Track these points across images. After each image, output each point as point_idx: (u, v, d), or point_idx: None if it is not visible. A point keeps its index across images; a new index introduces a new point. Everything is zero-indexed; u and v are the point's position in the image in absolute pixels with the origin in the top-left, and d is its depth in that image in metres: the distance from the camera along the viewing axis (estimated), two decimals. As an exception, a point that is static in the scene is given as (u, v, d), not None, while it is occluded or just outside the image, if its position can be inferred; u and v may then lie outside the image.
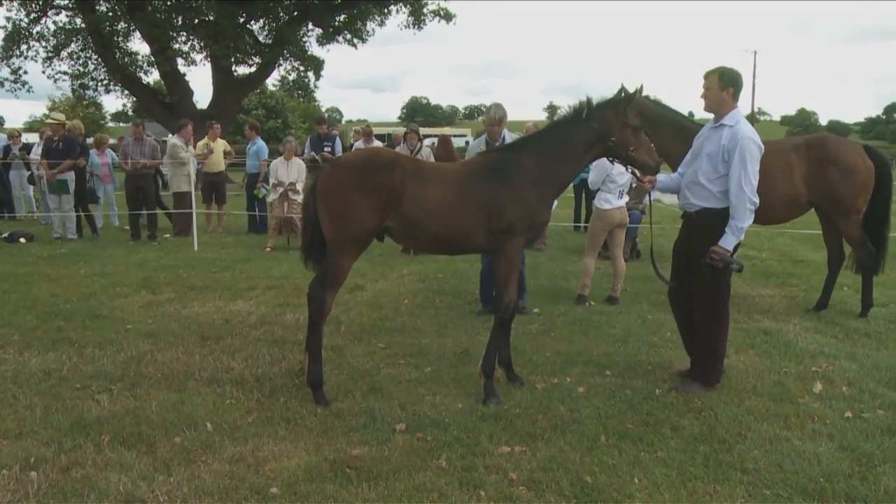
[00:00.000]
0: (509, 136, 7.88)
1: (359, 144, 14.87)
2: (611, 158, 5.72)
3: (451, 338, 6.91)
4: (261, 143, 14.82)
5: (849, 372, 5.98)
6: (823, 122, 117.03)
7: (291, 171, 12.67)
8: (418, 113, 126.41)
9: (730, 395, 5.40)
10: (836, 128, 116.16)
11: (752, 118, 62.41)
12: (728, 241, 5.31)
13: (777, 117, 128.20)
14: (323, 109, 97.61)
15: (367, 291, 9.22)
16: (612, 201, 8.70)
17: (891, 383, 5.74)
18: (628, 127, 5.49)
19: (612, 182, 8.58)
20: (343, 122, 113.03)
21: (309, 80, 35.50)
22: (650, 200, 6.99)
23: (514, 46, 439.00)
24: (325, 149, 14.16)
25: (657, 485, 3.99)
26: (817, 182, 7.93)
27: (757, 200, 5.33)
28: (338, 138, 14.79)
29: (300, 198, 12.70)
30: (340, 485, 4.00)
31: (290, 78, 33.58)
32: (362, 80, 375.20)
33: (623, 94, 5.57)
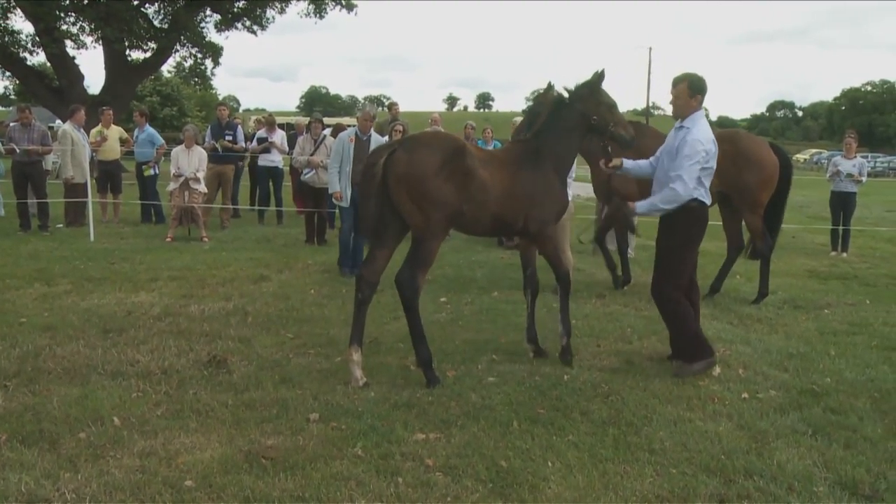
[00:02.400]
0: (374, 133, 9.74)
1: (261, 134, 14.64)
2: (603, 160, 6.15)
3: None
4: (150, 129, 14.41)
5: (744, 356, 6.31)
6: (714, 117, 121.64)
7: (192, 160, 12.35)
8: (317, 103, 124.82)
9: (635, 380, 5.62)
10: (725, 123, 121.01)
11: (646, 113, 64.44)
12: (642, 206, 5.85)
13: (670, 112, 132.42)
14: (220, 97, 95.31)
15: (273, 282, 9.11)
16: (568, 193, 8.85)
17: (781, 365, 6.10)
18: (603, 104, 5.92)
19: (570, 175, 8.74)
20: (241, 110, 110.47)
21: (206, 68, 34.65)
22: None
23: (412, 40, 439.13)
24: (227, 138, 13.84)
25: (570, 467, 4.13)
26: (728, 174, 8.30)
27: (686, 195, 5.67)
28: (239, 127, 14.49)
29: (201, 187, 12.43)
30: (257, 476, 3.97)
31: (187, 65, 32.68)
32: (260, 69, 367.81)
33: (594, 76, 5.93)
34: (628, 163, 6.19)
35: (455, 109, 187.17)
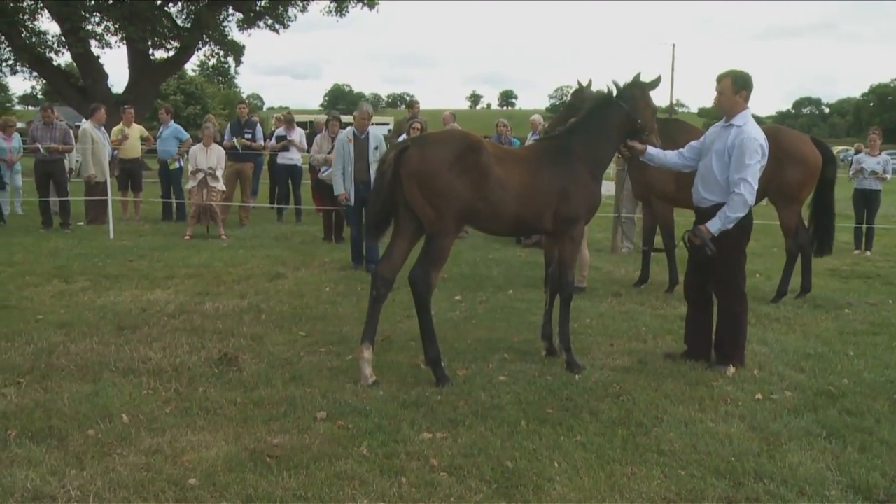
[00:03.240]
0: (372, 129, 9.88)
1: (280, 132, 14.68)
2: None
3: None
4: (175, 125, 14.48)
5: (759, 356, 6.20)
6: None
7: (210, 158, 12.42)
8: (340, 101, 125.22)
9: (647, 380, 5.55)
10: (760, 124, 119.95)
11: (670, 110, 64.00)
12: (714, 225, 5.66)
13: (695, 109, 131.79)
14: (244, 96, 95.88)
15: (289, 280, 9.13)
16: None
17: (797, 366, 5.99)
18: (650, 109, 5.94)
19: None
20: (264, 108, 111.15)
21: (229, 66, 34.92)
22: None
23: (434, 36, 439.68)
24: (246, 136, 13.90)
25: (576, 468, 4.07)
26: (769, 171, 8.16)
27: (753, 197, 5.64)
28: (258, 125, 14.53)
29: (219, 185, 12.50)
30: (260, 474, 3.95)
31: (210, 63, 32.88)
32: (283, 67, 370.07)
33: (647, 79, 5.93)
34: (652, 150, 6.10)
35: (478, 107, 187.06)
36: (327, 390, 5.21)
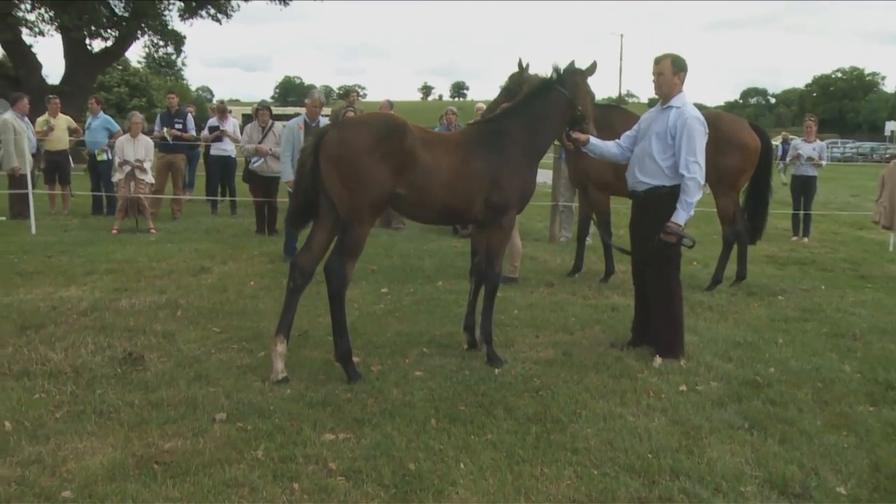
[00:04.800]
0: (323, 120, 9.34)
1: (213, 122, 14.25)
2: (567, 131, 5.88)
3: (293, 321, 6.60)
4: (105, 116, 13.94)
5: (688, 345, 6.03)
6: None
7: (138, 149, 11.93)
8: (291, 92, 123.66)
9: (570, 373, 5.36)
10: (700, 111, 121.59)
11: (619, 100, 64.42)
12: (680, 217, 5.52)
13: (645, 100, 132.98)
14: (193, 88, 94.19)
15: (213, 274, 8.78)
16: None
17: (725, 354, 5.88)
18: (589, 95, 5.78)
19: None
20: (213, 101, 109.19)
21: (174, 57, 34.14)
22: None
23: (385, 28, 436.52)
24: (176, 126, 13.45)
25: (483, 469, 3.86)
26: (709, 158, 8.02)
27: (703, 177, 5.57)
28: (189, 115, 14.09)
29: (147, 177, 12.04)
30: (143, 483, 3.67)
31: (151, 53, 32.05)
32: (233, 59, 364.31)
33: (582, 65, 5.77)
34: (595, 141, 5.93)
35: (430, 98, 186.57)
36: (232, 390, 4.94)
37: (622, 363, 5.59)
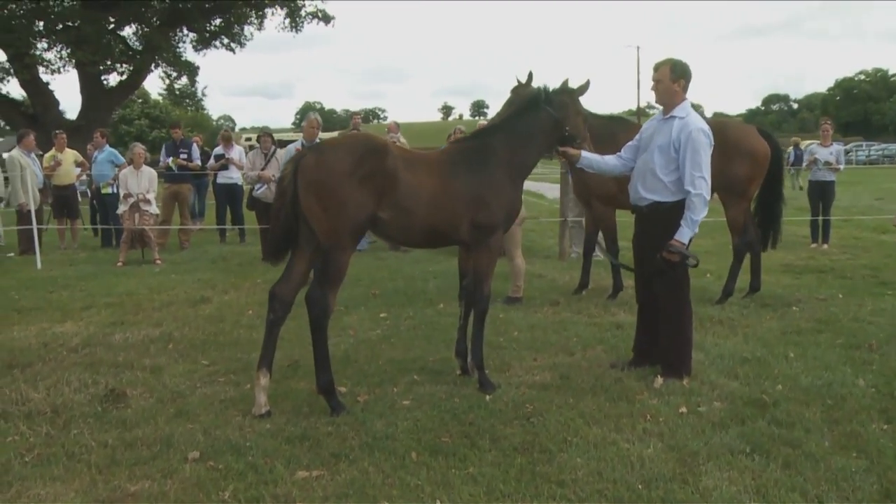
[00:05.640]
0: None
1: (218, 150, 14.20)
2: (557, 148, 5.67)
3: (285, 350, 6.38)
4: (110, 149, 13.94)
5: (694, 363, 5.73)
6: (709, 113, 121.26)
7: (142, 181, 11.90)
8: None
9: (565, 397, 5.10)
10: (721, 119, 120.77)
11: (638, 113, 64.03)
12: (683, 235, 5.23)
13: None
14: (214, 118, 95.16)
15: (213, 304, 8.63)
16: None
17: (732, 372, 5.59)
18: (580, 115, 5.55)
19: None
20: (237, 129, 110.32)
21: (194, 87, 34.47)
22: None
23: (404, 50, 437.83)
24: (181, 156, 13.40)
25: (459, 505, 3.62)
26: (716, 167, 7.78)
27: (709, 193, 5.28)
28: (194, 144, 14.05)
29: (152, 208, 11.98)
30: (100, 532, 3.47)
31: (166, 84, 32.29)
32: (255, 88, 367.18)
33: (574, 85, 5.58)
34: (588, 155, 5.67)
35: (451, 118, 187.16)
36: (211, 426, 4.74)
37: (621, 385, 5.32)
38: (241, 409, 5.01)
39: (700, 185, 5.20)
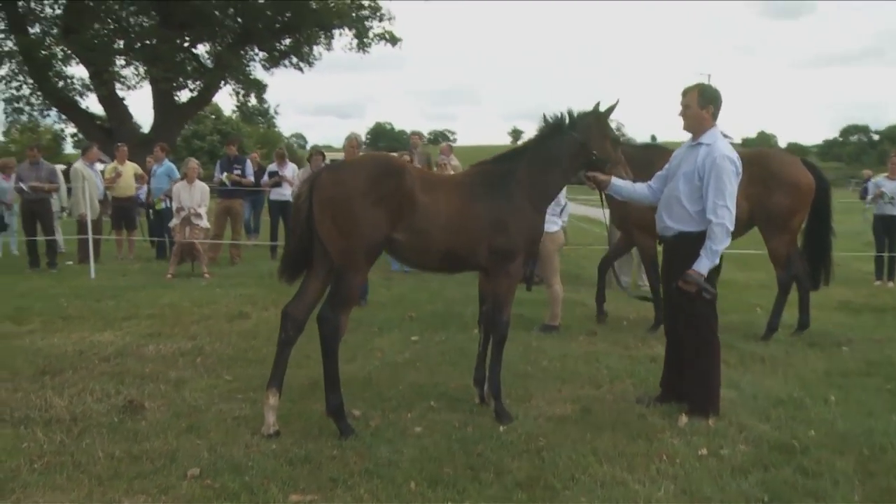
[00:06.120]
0: None
1: (272, 168, 14.38)
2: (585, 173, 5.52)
3: (309, 369, 6.35)
4: (168, 163, 14.23)
5: (725, 402, 5.48)
6: (783, 143, 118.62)
7: (194, 195, 12.09)
8: (382, 138, 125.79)
9: (582, 432, 4.91)
10: (795, 150, 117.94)
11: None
12: (702, 265, 5.01)
13: (738, 140, 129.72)
14: (286, 135, 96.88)
15: (251, 320, 8.67)
16: (557, 222, 8.27)
17: (764, 414, 5.31)
18: (608, 139, 5.38)
19: (557, 204, 8.13)
20: (307, 147, 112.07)
21: (265, 105, 35.13)
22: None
23: (477, 73, 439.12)
24: (235, 171, 13.58)
25: (450, 540, 3.48)
26: (758, 198, 7.54)
27: (733, 223, 5.05)
28: (248, 161, 14.22)
29: (202, 222, 12.16)
30: (84, 546, 3.44)
31: (239, 102, 32.94)
32: (328, 107, 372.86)
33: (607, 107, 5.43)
34: (618, 182, 5.50)
35: (520, 142, 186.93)
36: (218, 443, 4.70)
37: (644, 422, 5.10)
38: (252, 428, 4.95)
39: (723, 214, 4.97)
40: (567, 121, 5.34)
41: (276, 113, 56.69)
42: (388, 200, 4.73)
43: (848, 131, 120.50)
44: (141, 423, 5.13)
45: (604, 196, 7.75)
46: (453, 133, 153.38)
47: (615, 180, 5.43)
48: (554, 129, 5.37)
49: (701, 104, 5.19)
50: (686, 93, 5.27)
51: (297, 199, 4.93)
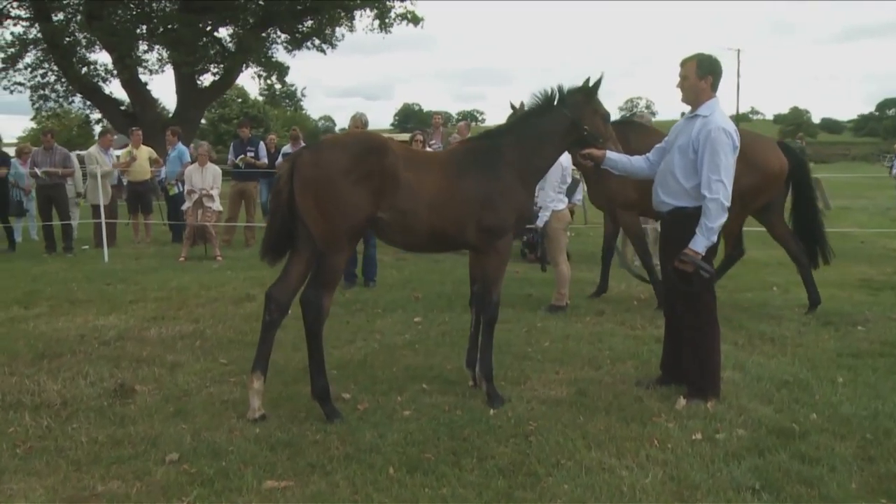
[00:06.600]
0: None
1: (286, 149, 14.30)
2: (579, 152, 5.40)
3: (303, 352, 6.24)
4: (181, 147, 14.20)
5: (728, 384, 5.32)
6: (816, 119, 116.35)
7: (206, 178, 12.06)
8: (410, 119, 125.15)
9: (574, 415, 4.77)
10: (829, 126, 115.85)
11: (736, 118, 62.08)
12: (699, 244, 4.82)
13: (770, 116, 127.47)
14: (315, 118, 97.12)
15: (256, 302, 8.55)
16: (564, 200, 8.13)
17: (766, 396, 5.13)
18: (599, 115, 5.25)
19: (563, 182, 7.99)
20: (337, 129, 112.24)
21: (289, 87, 35.09)
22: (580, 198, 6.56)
23: (506, 52, 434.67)
24: (248, 153, 13.51)
25: (421, 528, 3.36)
26: None
27: (729, 199, 4.84)
28: (262, 143, 14.13)
29: (215, 205, 12.12)
30: (50, 533, 3.38)
31: (264, 85, 32.94)
32: (355, 89, 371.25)
33: (594, 82, 5.24)
34: (614, 155, 5.32)
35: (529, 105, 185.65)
36: (203, 427, 4.65)
37: (640, 405, 4.95)
38: (239, 412, 4.89)
39: (717, 188, 4.76)
40: (557, 97, 5.17)
41: (303, 95, 56.61)
42: (370, 179, 4.60)
43: (885, 105, 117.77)
44: (130, 406, 5.09)
45: (582, 175, 7.59)
46: (482, 113, 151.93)
47: (610, 154, 5.26)
48: (544, 106, 5.21)
49: (699, 75, 4.98)
50: (684, 63, 5.07)
51: (279, 181, 4.81)
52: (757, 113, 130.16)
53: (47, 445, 4.42)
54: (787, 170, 7.60)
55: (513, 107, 7.98)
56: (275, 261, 4.98)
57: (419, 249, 5.52)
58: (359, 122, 9.26)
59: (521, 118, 5.36)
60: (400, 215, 4.75)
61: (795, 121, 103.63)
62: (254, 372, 4.86)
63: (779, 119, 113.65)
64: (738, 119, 67.87)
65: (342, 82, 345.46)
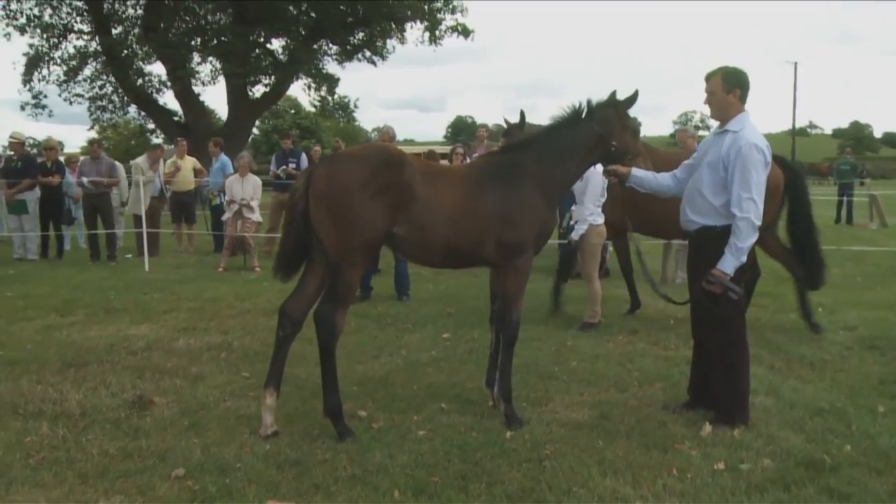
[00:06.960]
0: None
1: (326, 161, 14.35)
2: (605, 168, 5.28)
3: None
4: (224, 158, 14.34)
5: (759, 410, 5.08)
6: (878, 133, 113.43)
7: (246, 188, 12.15)
8: (462, 132, 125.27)
9: (593, 439, 4.59)
10: (892, 139, 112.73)
11: (793, 133, 60.86)
12: (727, 264, 4.63)
13: (829, 130, 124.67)
14: (368, 130, 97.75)
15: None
16: (602, 215, 7.99)
17: (799, 425, 4.87)
18: (628, 130, 5.07)
19: (602, 195, 7.85)
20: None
21: (345, 99, 35.42)
22: None
23: (560, 64, 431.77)
24: (290, 165, 13.59)
25: (420, 557, 3.24)
26: None
27: (760, 218, 4.65)
28: (303, 154, 14.22)
29: (254, 216, 12.19)
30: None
31: (318, 97, 33.20)
32: (409, 100, 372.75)
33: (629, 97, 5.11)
34: (639, 172, 5.17)
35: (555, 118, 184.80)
36: (214, 442, 4.59)
37: (664, 430, 4.74)
38: (253, 427, 4.81)
39: (748, 207, 4.55)
40: (585, 111, 5.02)
41: (355, 107, 57.20)
42: (386, 193, 4.51)
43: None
44: (146, 419, 5.06)
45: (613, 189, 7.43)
46: (534, 125, 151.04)
47: (636, 171, 5.09)
48: (570, 119, 5.06)
49: (726, 89, 4.78)
50: (709, 78, 4.87)
51: (294, 194, 4.74)
52: (815, 127, 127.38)
53: (59, 456, 4.40)
54: (782, 184, 7.41)
55: (507, 123, 7.84)
56: (288, 277, 4.90)
57: (436, 265, 5.38)
58: (386, 134, 9.23)
59: (546, 131, 5.20)
60: (416, 230, 4.64)
61: (856, 135, 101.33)
62: (267, 388, 4.79)
63: (838, 133, 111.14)
64: (795, 134, 66.37)
65: (396, 94, 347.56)
